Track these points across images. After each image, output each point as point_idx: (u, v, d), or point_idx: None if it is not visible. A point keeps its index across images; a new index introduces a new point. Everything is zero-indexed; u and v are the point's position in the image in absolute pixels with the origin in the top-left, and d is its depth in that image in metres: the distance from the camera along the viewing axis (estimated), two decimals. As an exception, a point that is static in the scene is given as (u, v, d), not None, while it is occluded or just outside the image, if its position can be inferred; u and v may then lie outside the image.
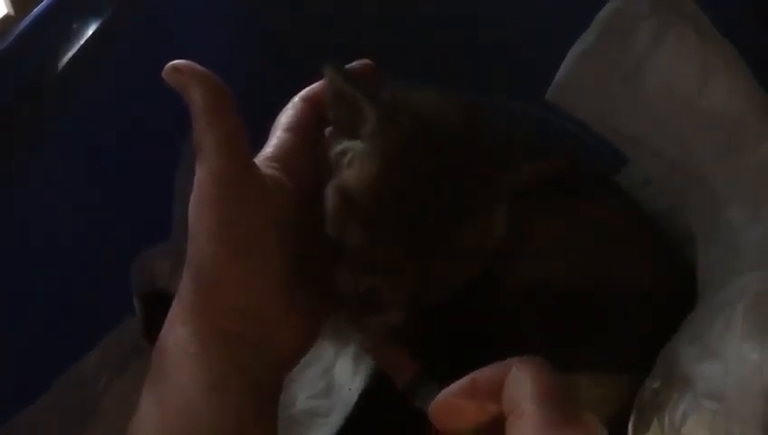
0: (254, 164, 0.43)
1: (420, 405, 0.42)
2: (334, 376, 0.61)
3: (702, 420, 0.48)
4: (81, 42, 0.62)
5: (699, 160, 0.58)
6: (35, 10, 0.61)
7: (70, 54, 0.61)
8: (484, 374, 0.35)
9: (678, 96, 0.58)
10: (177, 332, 0.41)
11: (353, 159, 0.46)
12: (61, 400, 0.60)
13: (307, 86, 0.49)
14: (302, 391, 0.60)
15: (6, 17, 0.61)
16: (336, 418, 0.58)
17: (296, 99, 0.48)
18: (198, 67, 0.42)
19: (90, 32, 0.63)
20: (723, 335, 0.50)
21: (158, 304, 0.44)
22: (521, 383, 0.33)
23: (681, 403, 0.50)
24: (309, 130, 0.47)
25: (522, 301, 0.53)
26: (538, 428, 0.32)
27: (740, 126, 0.57)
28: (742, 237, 0.55)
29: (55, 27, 0.62)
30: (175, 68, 0.42)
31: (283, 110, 0.48)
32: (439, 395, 0.36)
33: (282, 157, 0.45)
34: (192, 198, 0.41)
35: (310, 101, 0.48)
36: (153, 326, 0.43)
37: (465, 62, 0.64)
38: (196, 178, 0.41)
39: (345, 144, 0.47)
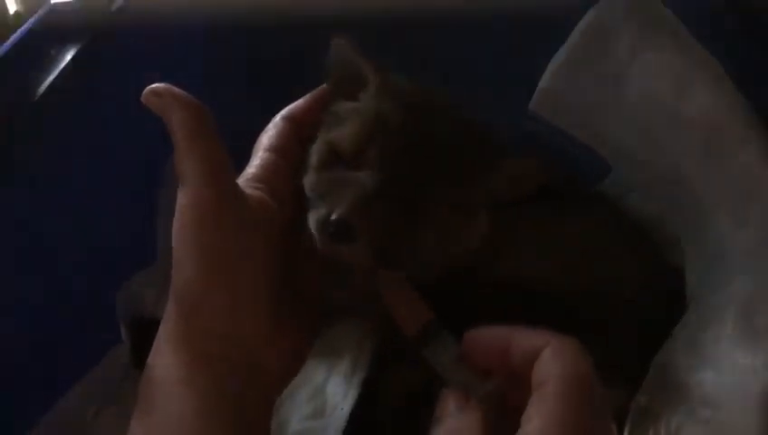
0: (236, 186, 0.43)
1: (429, 355, 0.41)
2: (326, 396, 0.60)
3: (697, 428, 0.48)
4: (59, 69, 0.62)
5: (682, 168, 0.58)
6: (14, 36, 0.61)
7: (46, 83, 0.61)
8: (521, 338, 0.37)
9: (659, 105, 0.58)
10: (162, 359, 0.41)
11: (347, 116, 0.47)
12: (52, 429, 0.59)
13: (287, 105, 0.49)
14: (295, 412, 0.60)
15: (17, 14, 0.60)
16: (329, 438, 0.57)
17: (277, 118, 0.48)
18: (178, 91, 0.42)
19: (67, 58, 0.62)
20: (715, 342, 0.50)
21: (144, 331, 0.43)
22: (555, 366, 0.35)
23: (675, 412, 0.50)
24: (291, 149, 0.47)
25: (506, 298, 0.53)
26: (557, 419, 0.33)
27: (721, 132, 0.57)
28: (728, 243, 0.55)
29: (32, 55, 0.62)
30: (154, 92, 0.42)
31: (265, 129, 0.48)
32: (475, 333, 0.39)
33: (264, 177, 0.45)
34: (174, 223, 0.41)
35: (291, 120, 0.48)
36: (141, 353, 0.42)
37: (450, 74, 0.64)
38: (177, 203, 0.41)
39: (342, 105, 0.49)
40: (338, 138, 0.46)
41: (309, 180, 0.46)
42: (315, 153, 0.47)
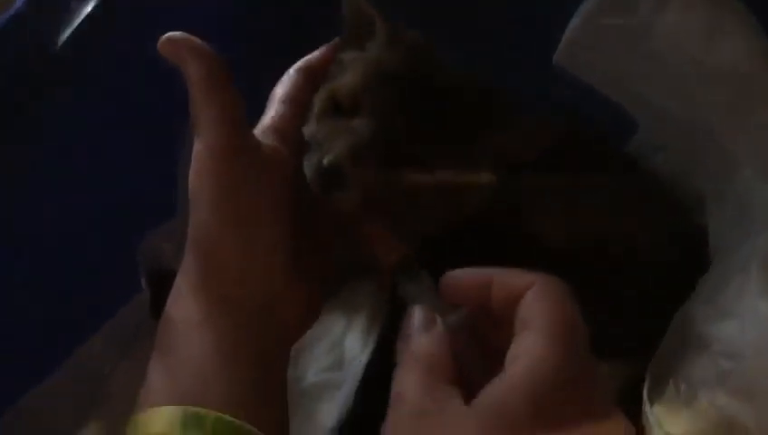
0: (251, 135, 0.43)
1: (402, 293, 0.41)
2: (344, 349, 0.61)
3: (719, 379, 0.48)
4: (80, 19, 0.62)
5: (710, 121, 0.57)
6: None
7: (68, 32, 0.61)
8: (503, 278, 0.36)
9: (687, 55, 0.57)
10: (181, 303, 0.41)
11: (350, 65, 0.48)
12: (69, 381, 0.60)
13: (302, 57, 0.49)
14: (313, 364, 0.60)
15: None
16: (347, 389, 0.58)
17: (291, 70, 0.48)
18: (193, 38, 0.42)
19: (88, 9, 0.62)
20: (738, 295, 0.49)
21: (164, 283, 0.44)
22: (538, 308, 0.34)
23: (697, 365, 0.50)
24: (305, 101, 0.47)
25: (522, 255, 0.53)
26: (545, 358, 0.32)
27: (751, 84, 0.55)
28: (754, 197, 0.54)
29: (53, 5, 0.62)
30: (170, 39, 0.42)
31: (279, 81, 0.48)
32: (455, 272, 0.37)
33: (279, 127, 0.45)
34: (191, 170, 0.41)
35: (305, 73, 0.48)
36: (159, 304, 0.43)
37: (463, 33, 0.63)
38: (194, 150, 0.41)
39: (347, 55, 0.49)
40: (338, 86, 0.46)
41: (308, 128, 0.46)
42: (317, 102, 0.47)
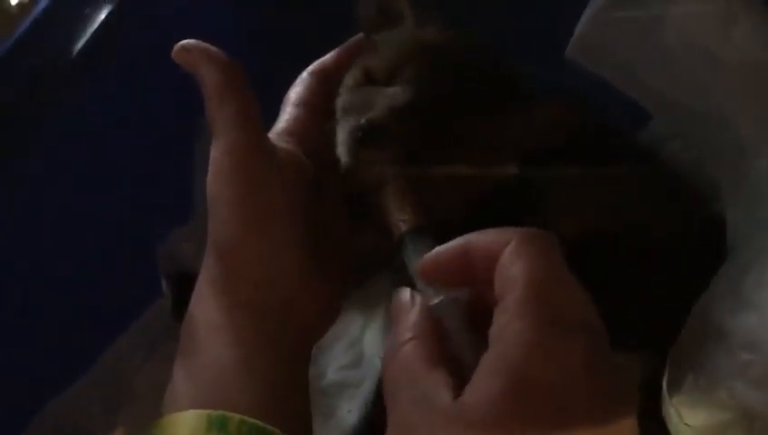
0: (267, 138, 0.43)
1: (405, 259, 0.39)
2: (363, 347, 0.61)
3: (739, 371, 0.48)
4: (95, 26, 0.62)
5: (724, 109, 0.56)
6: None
7: (84, 39, 0.61)
8: (479, 242, 0.32)
9: (700, 44, 0.56)
10: (203, 306, 0.42)
11: (382, 44, 0.48)
12: (98, 381, 0.61)
13: (315, 60, 0.49)
14: (332, 363, 0.61)
15: (20, 4, 0.61)
16: (367, 387, 0.58)
17: (305, 74, 0.49)
18: (207, 45, 0.43)
19: (102, 16, 0.63)
20: (757, 285, 0.49)
21: (184, 285, 0.44)
22: (515, 269, 0.30)
23: (716, 356, 0.49)
24: (319, 104, 0.47)
25: None
26: (520, 335, 0.28)
27: (765, 73, 0.55)
28: (771, 185, 0.53)
29: (68, 13, 0.63)
30: (184, 47, 0.43)
31: (293, 85, 0.48)
32: (429, 253, 0.34)
33: (294, 131, 0.45)
34: (209, 174, 0.42)
35: (319, 75, 0.48)
36: (181, 307, 0.43)
37: (476, 19, 0.63)
38: (211, 154, 0.42)
39: (378, 36, 0.49)
40: (373, 62, 0.47)
41: (341, 99, 0.47)
42: (350, 77, 0.47)
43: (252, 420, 0.38)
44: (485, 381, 0.28)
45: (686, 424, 0.49)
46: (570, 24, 0.63)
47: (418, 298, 0.33)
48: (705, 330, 0.51)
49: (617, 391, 0.29)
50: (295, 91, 0.47)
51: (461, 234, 0.36)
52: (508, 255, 0.30)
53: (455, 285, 0.33)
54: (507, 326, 0.29)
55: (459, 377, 0.30)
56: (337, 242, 0.46)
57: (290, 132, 0.45)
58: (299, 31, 0.69)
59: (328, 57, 0.49)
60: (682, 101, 0.60)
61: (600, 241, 0.55)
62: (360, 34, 0.50)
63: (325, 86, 0.48)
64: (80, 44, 0.62)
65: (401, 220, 0.42)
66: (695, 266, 0.56)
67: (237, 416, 0.37)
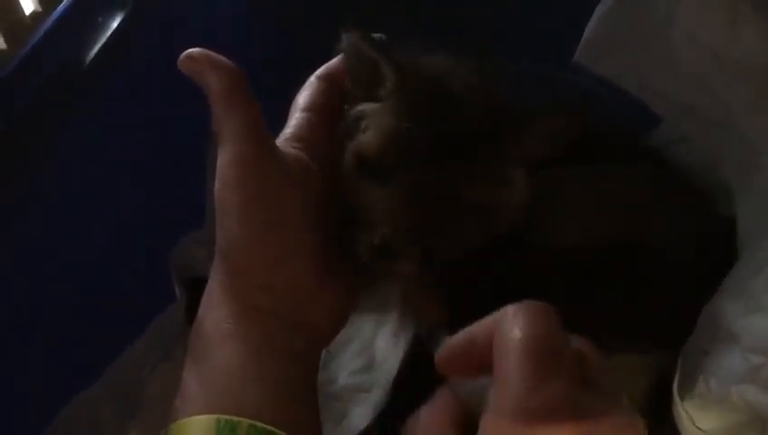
0: (274, 144, 0.43)
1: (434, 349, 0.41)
2: (374, 351, 0.61)
3: (750, 375, 0.47)
4: (108, 35, 0.63)
5: (733, 112, 0.56)
6: (61, 6, 0.62)
7: (97, 48, 0.62)
8: (480, 326, 0.34)
9: (708, 47, 0.56)
10: (212, 313, 0.42)
11: (369, 121, 0.47)
12: (111, 386, 0.62)
13: (323, 65, 0.49)
14: (343, 367, 0.61)
15: (34, 14, 0.62)
16: (378, 392, 0.58)
17: (313, 78, 0.48)
18: (212, 54, 0.43)
19: (115, 24, 0.64)
20: (766, 288, 0.49)
21: (197, 290, 0.45)
22: (507, 337, 0.32)
23: (727, 360, 0.49)
24: (327, 108, 0.47)
25: (548, 261, 0.53)
26: (511, 395, 0.30)
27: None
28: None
29: (81, 22, 0.63)
30: (189, 56, 0.43)
31: (301, 90, 0.48)
32: (442, 347, 0.36)
33: (302, 136, 0.45)
34: (216, 181, 0.42)
35: (326, 80, 0.48)
36: (194, 310, 0.44)
37: (483, 28, 0.63)
38: (218, 162, 0.42)
39: (362, 107, 0.48)
40: (362, 146, 0.46)
41: (347, 194, 0.47)
42: (344, 164, 0.47)
43: (261, 425, 0.38)
44: None
45: (697, 427, 0.49)
46: (579, 25, 0.63)
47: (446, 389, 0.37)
48: (715, 333, 0.51)
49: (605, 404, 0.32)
50: (303, 96, 0.47)
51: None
52: (504, 322, 0.33)
53: (470, 375, 0.36)
54: (501, 388, 0.32)
55: None
56: (347, 245, 0.46)
57: (298, 138, 0.45)
58: (303, 36, 0.69)
59: (335, 61, 0.49)
60: (690, 102, 0.60)
61: (611, 246, 0.55)
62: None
63: (333, 90, 0.48)
64: (93, 53, 0.62)
65: (429, 315, 0.45)
66: (705, 269, 0.56)
67: (247, 421, 0.38)
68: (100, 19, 0.65)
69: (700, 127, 0.60)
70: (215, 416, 0.38)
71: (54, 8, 0.62)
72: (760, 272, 0.50)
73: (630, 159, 0.61)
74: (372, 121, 0.47)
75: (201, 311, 0.43)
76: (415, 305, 0.46)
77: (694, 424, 0.50)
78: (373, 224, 0.45)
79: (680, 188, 0.61)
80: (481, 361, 0.34)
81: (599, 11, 0.62)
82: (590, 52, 0.63)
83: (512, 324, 0.32)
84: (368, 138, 0.46)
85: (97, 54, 0.63)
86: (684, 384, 0.51)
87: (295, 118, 0.46)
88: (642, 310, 0.55)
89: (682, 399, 0.50)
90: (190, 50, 0.43)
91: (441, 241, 0.45)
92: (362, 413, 0.58)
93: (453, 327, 0.38)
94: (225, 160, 0.41)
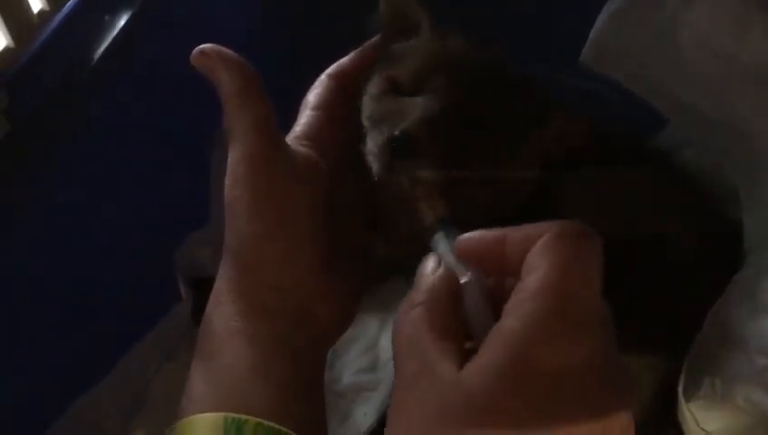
0: (285, 142, 0.43)
1: (432, 246, 0.38)
2: (379, 351, 0.61)
3: (756, 376, 0.47)
4: (114, 34, 0.63)
5: (740, 116, 0.56)
6: (68, 4, 0.62)
7: (104, 46, 0.62)
8: (517, 232, 0.33)
9: (715, 50, 0.56)
10: (220, 310, 0.42)
11: (405, 53, 0.48)
12: (117, 385, 0.62)
13: (334, 63, 0.49)
14: (348, 367, 0.61)
15: (41, 12, 0.62)
16: (383, 390, 0.59)
17: (323, 76, 0.48)
18: (225, 50, 0.43)
19: (122, 23, 0.64)
20: (772, 291, 0.49)
21: (202, 289, 0.45)
22: (542, 256, 0.30)
23: (733, 361, 0.49)
24: (337, 107, 0.47)
25: None
26: (530, 315, 0.28)
27: (781, 77, 0.55)
28: (788, 191, 0.53)
29: (89, 21, 0.64)
30: (202, 52, 0.43)
31: (311, 88, 0.48)
32: (470, 233, 0.35)
33: (312, 135, 0.45)
34: (227, 179, 0.42)
35: (337, 78, 0.48)
36: (200, 309, 0.44)
37: (483, 28, 0.64)
38: (229, 159, 0.42)
39: (399, 45, 0.49)
40: (398, 71, 0.47)
41: (367, 107, 0.47)
42: (373, 86, 0.48)
43: (268, 423, 0.38)
44: (489, 354, 0.29)
45: (702, 429, 0.49)
46: (580, 26, 0.63)
47: (443, 268, 0.34)
48: (721, 335, 0.51)
49: (617, 386, 0.30)
50: (314, 94, 0.47)
51: None
52: (540, 244, 0.31)
53: (485, 271, 0.34)
54: (520, 304, 0.30)
55: (470, 352, 0.30)
56: (354, 244, 0.46)
57: (307, 136, 0.45)
58: (314, 34, 0.70)
59: (346, 60, 0.49)
60: (697, 104, 0.60)
61: (618, 247, 0.55)
62: (377, 37, 0.50)
63: (343, 89, 0.48)
64: (100, 51, 0.62)
65: (432, 209, 0.43)
66: (711, 271, 0.56)
67: (253, 419, 0.38)
68: (107, 18, 0.65)
69: (707, 128, 0.60)
70: (222, 414, 0.38)
71: (62, 7, 0.62)
72: (765, 276, 0.50)
73: (633, 160, 0.62)
74: (408, 52, 0.48)
75: (208, 309, 0.43)
76: (425, 198, 0.43)
77: (699, 425, 0.50)
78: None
79: (681, 189, 0.61)
80: (502, 264, 0.33)
81: (605, 12, 0.62)
82: (597, 53, 0.63)
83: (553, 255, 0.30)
84: (404, 65, 0.47)
85: (104, 53, 0.63)
86: (689, 385, 0.51)
87: (305, 116, 0.46)
88: (644, 311, 0.55)
89: (687, 400, 0.50)
90: (202, 45, 0.42)
91: (459, 164, 0.45)
92: (367, 412, 0.58)
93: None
94: (235, 158, 0.41)
